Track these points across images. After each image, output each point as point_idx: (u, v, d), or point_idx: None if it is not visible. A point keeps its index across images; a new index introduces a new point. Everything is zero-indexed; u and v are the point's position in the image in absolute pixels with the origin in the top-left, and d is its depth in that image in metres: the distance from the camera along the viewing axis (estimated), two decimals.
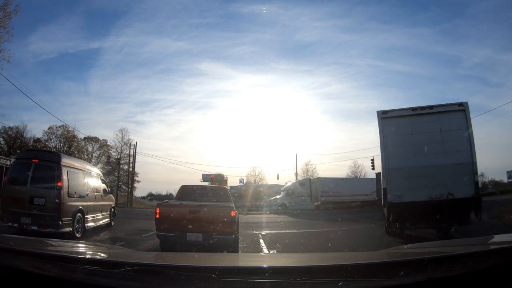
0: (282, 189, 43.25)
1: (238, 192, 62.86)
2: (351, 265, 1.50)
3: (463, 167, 9.56)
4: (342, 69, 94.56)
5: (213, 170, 58.71)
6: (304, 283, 1.30)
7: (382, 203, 10.85)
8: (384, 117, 10.53)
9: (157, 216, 7.87)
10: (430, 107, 10.37)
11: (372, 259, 1.94)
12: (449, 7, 74.59)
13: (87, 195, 11.55)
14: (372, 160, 34.28)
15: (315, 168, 56.44)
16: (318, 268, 1.49)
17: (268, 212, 33.98)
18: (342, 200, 38.23)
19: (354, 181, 43.79)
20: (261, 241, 10.06)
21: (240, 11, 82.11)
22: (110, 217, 14.07)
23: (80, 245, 3.05)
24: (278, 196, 40.55)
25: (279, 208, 36.93)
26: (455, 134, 9.89)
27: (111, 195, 15.08)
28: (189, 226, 7.53)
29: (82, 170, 11.70)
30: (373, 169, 34.53)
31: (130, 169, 51.45)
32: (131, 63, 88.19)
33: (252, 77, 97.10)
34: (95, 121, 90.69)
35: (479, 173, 11.61)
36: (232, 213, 7.87)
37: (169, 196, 76.80)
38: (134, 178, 52.81)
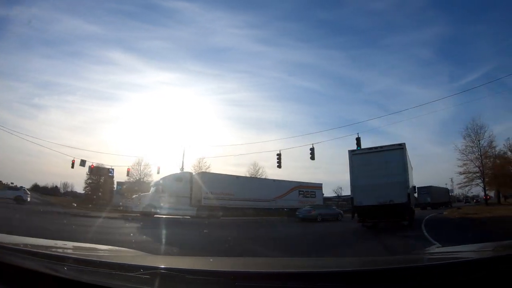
0: (152, 184, 32.81)
1: (123, 188, 52.64)
2: (366, 271, 1.58)
3: (400, 184, 15.50)
4: (251, 78, 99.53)
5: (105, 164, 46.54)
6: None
7: (352, 207, 17.03)
8: (353, 154, 17.18)
9: None
10: (381, 147, 17.00)
11: (386, 265, 1.94)
12: (364, 36, 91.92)
13: None
14: (279, 154, 25.93)
15: (209, 167, 47.28)
16: (335, 274, 1.50)
17: (122, 217, 23.34)
18: (236, 206, 29.35)
19: (254, 181, 34.56)
20: None
21: (162, 5, 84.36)
22: None
23: (94, 247, 3.03)
24: (142, 194, 30.05)
25: (142, 210, 26.63)
26: (395, 164, 15.91)
27: None
28: None
29: None
30: (279, 167, 26.25)
31: None
32: (37, 38, 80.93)
33: (162, 74, 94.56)
34: None
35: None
36: None
37: (54, 189, 71.88)
38: None
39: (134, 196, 30.68)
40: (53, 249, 2.23)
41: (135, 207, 28.20)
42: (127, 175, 47.67)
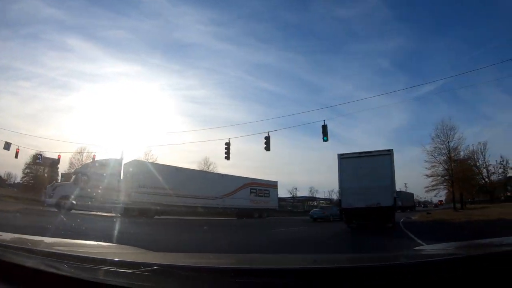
0: (73, 171, 27.56)
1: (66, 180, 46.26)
2: (367, 267, 1.56)
3: (387, 188, 16.24)
4: (211, 76, 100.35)
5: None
6: (320, 284, 1.32)
7: (339, 208, 18.54)
8: (342, 157, 17.61)
9: None
10: (370, 152, 17.63)
11: (380, 261, 1.91)
12: (327, 41, 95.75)
13: None
14: (228, 143, 21.76)
15: (156, 160, 42.44)
16: (334, 270, 1.46)
17: (23, 210, 18.14)
18: (175, 203, 24.82)
19: (198, 175, 29.53)
20: None
21: None
22: None
23: (94, 244, 2.96)
24: (58, 183, 24.73)
25: (56, 203, 21.55)
26: (383, 168, 16.59)
27: None
28: None
29: None
30: (227, 158, 22.04)
31: None
32: None
33: (121, 65, 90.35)
34: None
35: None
36: None
37: None
38: None
39: (48, 185, 25.22)
40: (54, 247, 2.19)
41: (48, 198, 22.90)
42: (58, 163, 42.35)
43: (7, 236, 2.32)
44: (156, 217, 23.61)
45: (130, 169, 24.34)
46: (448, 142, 38.31)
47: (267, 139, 20.08)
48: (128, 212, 22.30)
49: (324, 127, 18.63)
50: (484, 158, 51.52)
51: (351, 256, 3.34)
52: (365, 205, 15.92)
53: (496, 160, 55.48)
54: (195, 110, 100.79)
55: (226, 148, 21.99)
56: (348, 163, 17.32)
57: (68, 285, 1.40)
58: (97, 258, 1.63)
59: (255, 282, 1.33)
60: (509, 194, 59.32)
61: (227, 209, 28.53)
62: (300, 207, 68.82)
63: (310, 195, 77.27)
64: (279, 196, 42.72)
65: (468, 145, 42.67)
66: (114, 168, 24.52)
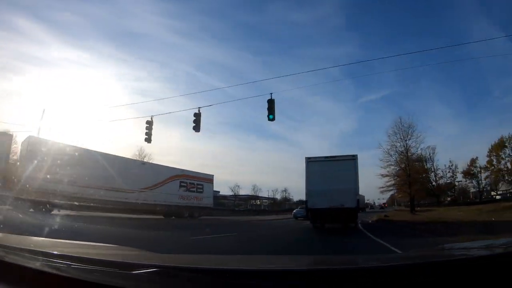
0: None
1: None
2: (367, 268, 1.60)
3: (350, 191, 17.63)
4: (160, 69, 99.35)
5: None
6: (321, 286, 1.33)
7: (306, 209, 19.50)
8: (309, 161, 19.03)
9: None
10: (336, 157, 19.51)
11: (369, 264, 1.98)
12: (279, 43, 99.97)
13: None
14: (149, 122, 17.80)
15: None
16: (337, 271, 1.46)
17: None
18: (82, 195, 20.17)
19: (112, 161, 23.00)
20: None
21: None
22: None
23: (96, 245, 2.92)
24: None
25: None
26: (348, 172, 18.03)
27: None
28: None
29: None
30: (148, 141, 18.06)
31: None
32: None
33: (66, 50, 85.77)
34: None
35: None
36: None
37: None
38: None
39: None
40: (56, 248, 2.15)
41: None
42: None
43: (9, 237, 2.32)
44: (55, 212, 18.86)
45: (25, 148, 19.41)
46: (406, 140, 37.05)
47: (197, 116, 16.43)
48: (19, 204, 17.38)
49: (271, 102, 15.34)
50: (433, 162, 51.88)
51: (355, 257, 3.43)
52: (330, 206, 17.18)
53: (445, 165, 56.63)
54: (143, 102, 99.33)
55: (147, 128, 18.05)
56: (315, 166, 18.75)
57: (68, 286, 1.42)
58: (100, 259, 1.63)
59: (258, 283, 1.33)
60: (449, 198, 61.62)
61: (150, 205, 24.08)
62: (243, 205, 66.15)
63: (253, 194, 74.82)
64: (220, 193, 39.09)
65: (417, 149, 42.21)
66: (1, 146, 19.39)
